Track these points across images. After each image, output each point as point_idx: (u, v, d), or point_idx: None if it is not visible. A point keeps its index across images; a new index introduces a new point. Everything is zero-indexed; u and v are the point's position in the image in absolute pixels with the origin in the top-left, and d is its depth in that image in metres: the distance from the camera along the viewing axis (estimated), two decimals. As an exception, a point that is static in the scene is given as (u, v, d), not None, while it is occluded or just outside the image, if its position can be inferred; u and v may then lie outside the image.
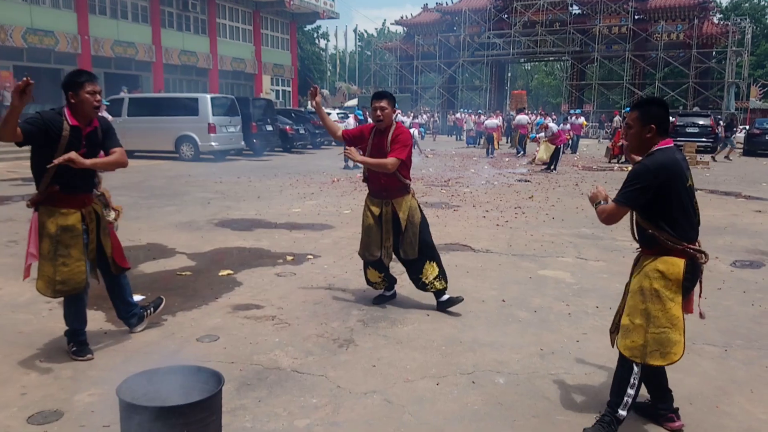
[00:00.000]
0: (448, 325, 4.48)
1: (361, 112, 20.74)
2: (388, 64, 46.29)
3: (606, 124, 33.96)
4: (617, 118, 26.83)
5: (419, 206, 4.85)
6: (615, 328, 3.21)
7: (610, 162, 19.75)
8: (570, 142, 22.59)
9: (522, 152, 22.09)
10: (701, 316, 3.15)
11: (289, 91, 39.62)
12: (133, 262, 6.24)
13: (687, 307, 3.05)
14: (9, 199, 10.02)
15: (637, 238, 3.11)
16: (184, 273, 5.80)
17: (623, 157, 19.78)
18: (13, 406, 3.18)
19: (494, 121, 24.03)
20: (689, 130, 24.31)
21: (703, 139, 23.56)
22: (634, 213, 3.04)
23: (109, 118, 14.35)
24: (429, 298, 5.10)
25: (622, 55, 36.85)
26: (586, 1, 37.60)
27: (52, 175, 3.56)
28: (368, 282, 4.97)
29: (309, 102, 4.88)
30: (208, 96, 18.14)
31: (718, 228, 8.38)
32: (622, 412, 2.96)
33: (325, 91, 40.83)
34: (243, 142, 19.10)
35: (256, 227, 8.06)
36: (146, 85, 27.89)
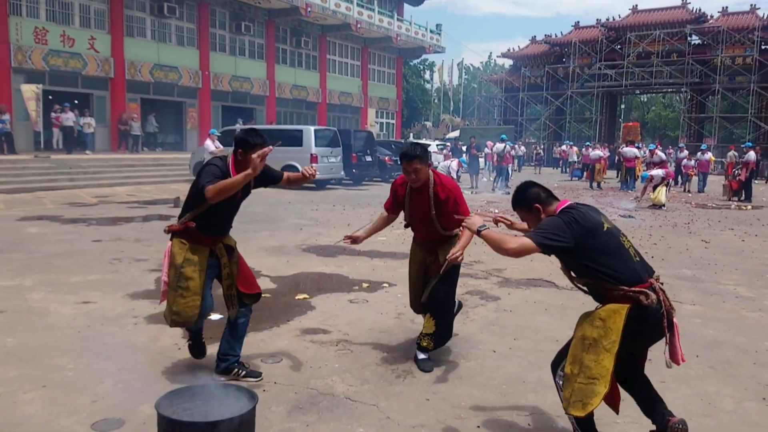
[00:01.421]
0: (513, 364, 4.31)
1: (464, 157, 20.91)
2: (494, 96, 46.07)
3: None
4: (731, 153, 24.97)
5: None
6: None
7: (729, 200, 18.39)
8: (691, 179, 21.26)
9: (627, 187, 21.04)
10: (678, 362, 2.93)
11: (393, 123, 40.42)
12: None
13: (674, 358, 2.89)
14: (122, 221, 10.86)
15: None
16: (264, 295, 5.96)
17: (743, 195, 18.40)
18: (82, 411, 3.40)
19: (597, 153, 23.13)
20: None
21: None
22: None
23: (220, 147, 15.32)
24: (499, 334, 4.96)
25: (747, 87, 34.46)
26: (706, 32, 35.68)
27: (196, 213, 3.66)
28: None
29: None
30: (312, 128, 18.90)
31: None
32: None
33: (429, 123, 41.21)
34: (343, 172, 19.65)
35: (339, 254, 8.21)
36: (260, 117, 29.53)
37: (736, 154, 24.05)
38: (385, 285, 6.53)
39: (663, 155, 16.50)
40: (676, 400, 3.72)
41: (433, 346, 4.18)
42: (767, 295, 6.52)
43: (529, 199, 2.97)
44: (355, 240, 4.38)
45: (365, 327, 5.03)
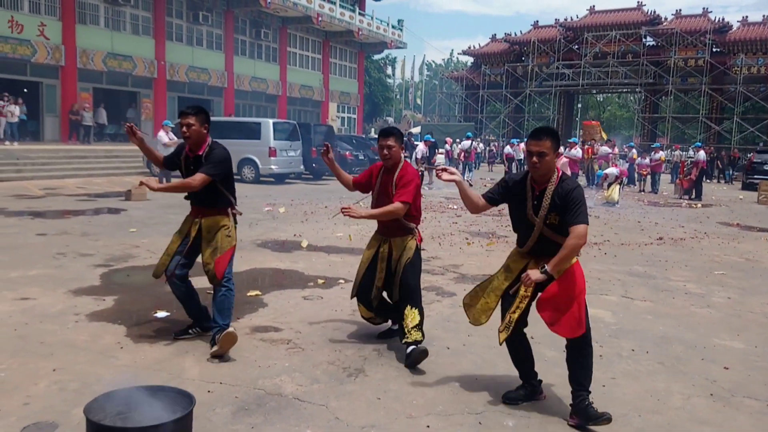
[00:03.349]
0: (467, 361, 4.26)
1: (430, 136, 20.86)
2: (454, 93, 46.30)
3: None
4: (677, 152, 25.61)
5: (418, 248, 4.40)
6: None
7: (680, 198, 18.86)
8: (645, 178, 21.48)
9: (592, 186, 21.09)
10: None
11: (355, 118, 40.24)
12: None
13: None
14: (70, 214, 10.47)
15: (535, 251, 3.44)
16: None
17: (693, 193, 18.88)
18: (12, 415, 3.20)
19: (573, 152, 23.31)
20: (767, 167, 23.04)
21: (783, 178, 22.21)
22: (547, 231, 3.36)
23: (174, 139, 14.93)
24: (454, 331, 4.91)
25: (699, 89, 35.45)
26: (661, 33, 36.57)
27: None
28: (365, 319, 4.62)
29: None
30: (270, 121, 18.64)
31: (787, 272, 7.77)
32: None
33: (390, 119, 41.17)
34: (302, 166, 19.42)
35: (295, 249, 8.07)
36: (218, 109, 28.95)
37: (681, 153, 24.70)
38: (341, 281, 6.42)
39: (608, 149, 16.77)
40: (626, 396, 3.75)
41: (422, 337, 4.15)
42: (716, 291, 6.65)
43: (558, 145, 3.37)
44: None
45: (318, 324, 4.92)
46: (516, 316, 3.40)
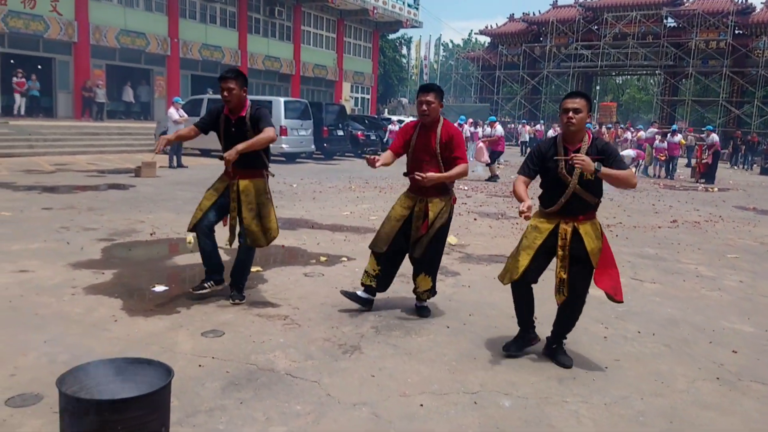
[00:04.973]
0: (466, 340, 4.16)
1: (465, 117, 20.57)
2: (470, 74, 45.76)
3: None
4: (690, 136, 24.99)
5: (452, 211, 4.52)
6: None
7: (697, 182, 18.51)
8: (661, 162, 20.62)
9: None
10: None
11: (368, 99, 39.91)
12: (171, 254, 6.34)
13: None
14: (78, 189, 10.46)
15: (565, 210, 3.64)
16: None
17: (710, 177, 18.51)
18: (-2, 386, 3.16)
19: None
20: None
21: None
22: (579, 189, 3.58)
23: (184, 116, 14.87)
24: (455, 310, 4.81)
25: (719, 71, 34.73)
26: (682, 14, 35.77)
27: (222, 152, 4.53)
28: (366, 272, 4.60)
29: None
30: (282, 99, 18.47)
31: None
32: None
33: (405, 100, 40.84)
34: (314, 146, 19.29)
35: (301, 227, 7.98)
36: (230, 87, 28.76)
37: (695, 136, 24.18)
38: (344, 259, 6.33)
39: (501, 130, 16.54)
40: (628, 379, 3.63)
41: (431, 296, 4.62)
42: (727, 275, 6.48)
43: (590, 107, 3.67)
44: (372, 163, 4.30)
45: (317, 301, 4.84)
46: (563, 275, 3.65)
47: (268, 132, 4.39)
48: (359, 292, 4.63)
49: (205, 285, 4.71)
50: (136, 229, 7.29)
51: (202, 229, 4.58)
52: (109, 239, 6.71)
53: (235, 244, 4.74)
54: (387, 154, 4.47)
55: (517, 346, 3.90)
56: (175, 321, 4.25)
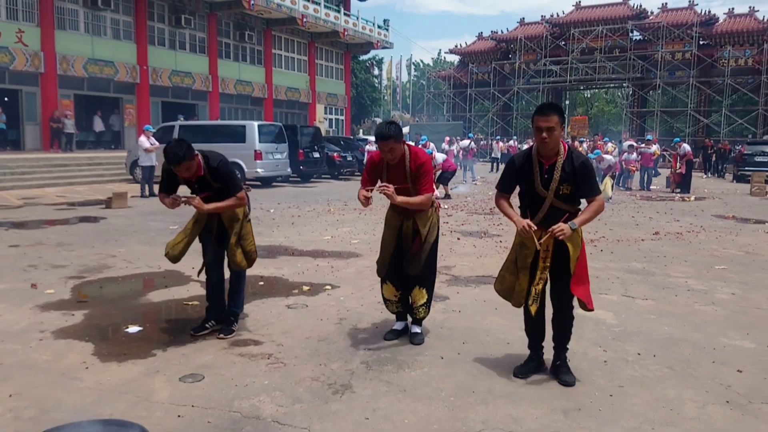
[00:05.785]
0: (462, 371, 3.95)
1: (426, 137, 20.35)
2: (442, 93, 46.03)
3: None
4: (655, 147, 25.04)
5: (438, 221, 4.51)
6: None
7: (673, 192, 18.64)
8: (633, 174, 20.53)
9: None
10: None
11: (342, 120, 39.87)
12: (144, 290, 6.04)
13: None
14: (46, 224, 10.07)
15: (544, 222, 3.62)
16: (191, 303, 5.49)
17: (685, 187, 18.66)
18: (-45, 451, 2.86)
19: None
20: (758, 159, 22.97)
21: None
22: (556, 202, 3.60)
23: (156, 144, 14.55)
24: (448, 338, 4.60)
25: (686, 82, 35.35)
26: (647, 27, 36.46)
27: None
28: (384, 300, 4.62)
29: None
30: (255, 123, 18.21)
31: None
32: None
33: (378, 119, 40.83)
34: (290, 169, 19.05)
35: (280, 254, 7.73)
36: (203, 113, 28.51)
37: (658, 147, 24.42)
38: (327, 287, 6.09)
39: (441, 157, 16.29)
40: (636, 407, 3.45)
41: (427, 315, 4.55)
42: (718, 287, 6.38)
43: (564, 120, 3.61)
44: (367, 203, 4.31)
45: (302, 336, 4.59)
46: (540, 287, 3.73)
47: (236, 200, 4.42)
48: (396, 326, 4.64)
49: (207, 325, 4.62)
50: (107, 265, 6.97)
51: (211, 264, 4.65)
52: (79, 276, 6.39)
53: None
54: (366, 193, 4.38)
55: (527, 369, 3.88)
56: (150, 365, 3.97)
